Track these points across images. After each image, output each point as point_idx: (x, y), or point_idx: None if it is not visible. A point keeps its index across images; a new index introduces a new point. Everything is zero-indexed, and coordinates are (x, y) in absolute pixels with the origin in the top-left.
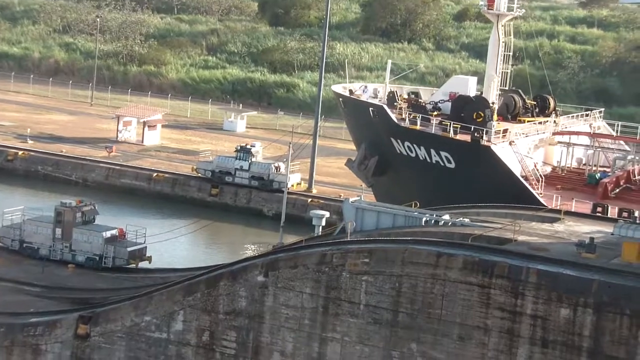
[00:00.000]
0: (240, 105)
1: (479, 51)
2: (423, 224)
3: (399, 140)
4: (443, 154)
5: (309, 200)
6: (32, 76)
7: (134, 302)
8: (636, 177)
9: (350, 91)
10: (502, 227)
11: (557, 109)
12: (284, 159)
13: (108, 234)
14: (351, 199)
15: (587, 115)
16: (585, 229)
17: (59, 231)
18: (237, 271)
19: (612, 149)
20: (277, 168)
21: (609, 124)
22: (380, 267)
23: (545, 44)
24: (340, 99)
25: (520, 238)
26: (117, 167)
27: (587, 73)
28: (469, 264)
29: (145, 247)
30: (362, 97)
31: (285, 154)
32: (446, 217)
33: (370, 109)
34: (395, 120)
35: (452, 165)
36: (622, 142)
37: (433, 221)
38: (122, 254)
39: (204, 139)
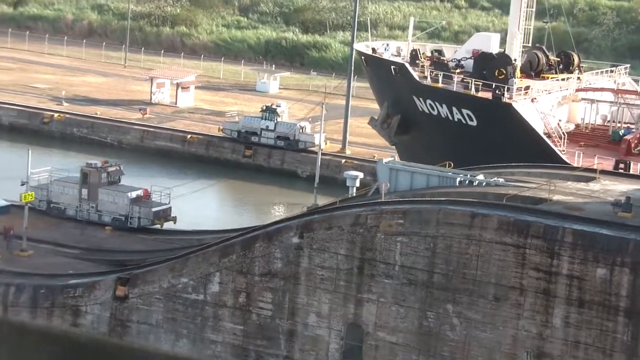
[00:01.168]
0: (273, 66)
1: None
2: (457, 184)
3: (420, 99)
4: (465, 111)
5: (343, 161)
6: (65, 38)
7: (170, 264)
8: None
9: (373, 49)
10: (536, 186)
11: (581, 65)
12: (309, 119)
13: (133, 194)
14: (385, 160)
15: (612, 71)
16: (622, 188)
17: (85, 192)
18: (272, 233)
19: (638, 105)
20: (303, 128)
21: (637, 80)
22: (415, 227)
23: (580, 1)
24: (362, 58)
25: (555, 198)
26: (152, 129)
27: (623, 29)
28: (504, 224)
29: (170, 207)
30: (384, 55)
31: (317, 115)
32: (480, 177)
33: (392, 67)
34: (417, 78)
35: (474, 123)
36: None
37: (467, 181)
38: (147, 214)
39: (236, 100)
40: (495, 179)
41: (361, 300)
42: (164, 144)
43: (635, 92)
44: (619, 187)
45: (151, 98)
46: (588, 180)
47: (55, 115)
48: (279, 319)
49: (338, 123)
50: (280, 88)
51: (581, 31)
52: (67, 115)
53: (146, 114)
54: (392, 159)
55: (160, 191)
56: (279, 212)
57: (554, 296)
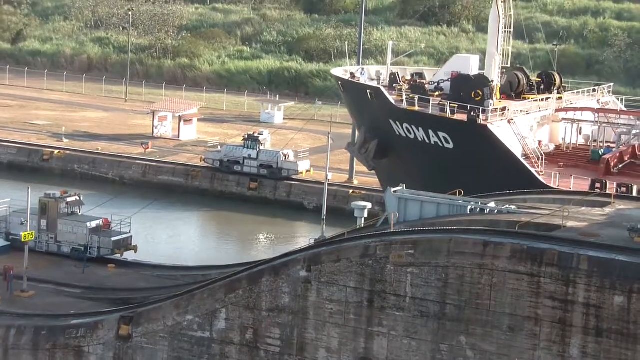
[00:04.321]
0: (277, 96)
1: (521, 32)
2: (468, 212)
3: (397, 122)
4: (441, 134)
5: (350, 191)
6: (65, 73)
7: (175, 301)
8: None
9: (352, 74)
10: (550, 213)
11: (563, 85)
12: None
13: (93, 224)
14: (393, 189)
15: (594, 91)
16: (638, 212)
17: (44, 222)
18: (279, 266)
19: (618, 124)
20: (286, 156)
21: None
22: (426, 258)
23: (591, 22)
24: (339, 83)
25: (570, 224)
26: (154, 164)
27: (635, 50)
28: (517, 252)
29: (131, 236)
30: (360, 79)
31: (324, 145)
32: (492, 204)
33: (368, 91)
34: (393, 102)
35: (451, 146)
36: (631, 117)
37: (478, 209)
38: (107, 244)
39: (241, 132)
40: (507, 206)
41: (372, 334)
42: (166, 178)
43: (615, 111)
44: (635, 212)
45: (153, 132)
46: (603, 205)
47: (55, 152)
48: (287, 355)
49: (344, 153)
50: (285, 118)
51: (592, 53)
52: (68, 152)
53: (148, 148)
54: (401, 187)
55: (120, 220)
56: (285, 245)
57: (571, 325)
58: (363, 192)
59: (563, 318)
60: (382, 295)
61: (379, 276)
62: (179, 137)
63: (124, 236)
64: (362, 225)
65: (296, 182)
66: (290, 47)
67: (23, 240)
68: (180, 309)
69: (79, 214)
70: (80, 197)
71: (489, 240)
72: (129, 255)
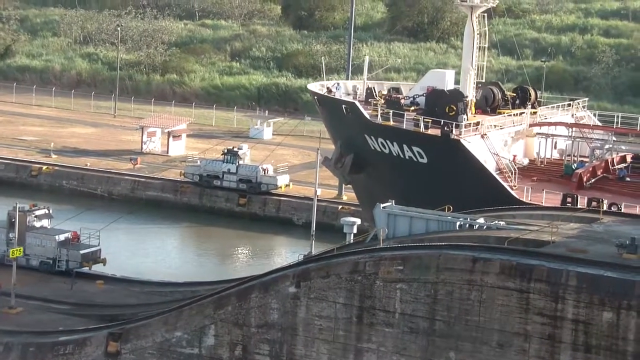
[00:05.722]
0: (266, 111)
1: (510, 48)
2: (457, 228)
3: (372, 137)
4: (415, 149)
5: (340, 207)
6: (53, 89)
7: (163, 317)
8: (615, 167)
9: (329, 89)
10: (538, 229)
11: (538, 100)
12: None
13: (61, 237)
14: (382, 205)
15: (569, 105)
16: (626, 228)
17: (12, 235)
18: (268, 282)
19: (591, 138)
20: (265, 170)
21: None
22: (415, 274)
23: (578, 39)
24: (315, 98)
25: (558, 240)
26: (143, 180)
27: (623, 67)
28: (506, 268)
29: (100, 249)
30: (336, 94)
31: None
32: (481, 220)
33: (343, 106)
34: (368, 117)
35: (425, 161)
36: (609, 132)
37: (467, 225)
38: (76, 257)
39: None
40: (496, 222)
41: (361, 350)
42: (155, 194)
43: (588, 126)
44: (623, 228)
45: (142, 147)
46: (591, 221)
47: (44, 167)
48: None
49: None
50: (274, 134)
51: (580, 69)
52: (56, 168)
53: (137, 164)
54: (390, 203)
55: (89, 233)
56: (274, 261)
57: (560, 341)
58: (352, 208)
59: (552, 334)
60: (372, 311)
61: (368, 292)
62: (168, 152)
63: (93, 249)
64: (351, 241)
65: (285, 198)
66: (279, 63)
67: (10, 256)
68: (169, 325)
69: (48, 227)
70: (49, 210)
71: (478, 256)
72: (118, 272)
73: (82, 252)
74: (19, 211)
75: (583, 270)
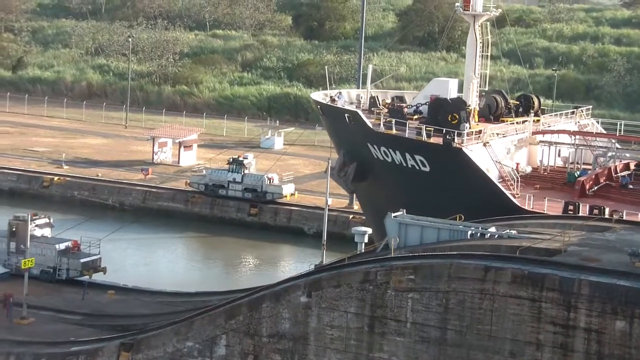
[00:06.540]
0: (277, 121)
1: (521, 57)
2: (469, 237)
3: (375, 146)
4: (418, 157)
5: (351, 216)
6: (65, 100)
7: (175, 327)
8: (618, 174)
9: (332, 98)
10: (550, 238)
11: (542, 108)
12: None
13: (62, 246)
14: (393, 214)
15: (572, 113)
16: (639, 237)
17: (13, 245)
18: (279, 292)
19: (594, 146)
20: (271, 179)
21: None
22: (426, 283)
23: (589, 48)
24: (318, 107)
25: (570, 249)
26: (154, 190)
27: (634, 75)
28: (518, 277)
29: (100, 258)
30: (338, 103)
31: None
32: (492, 229)
33: (346, 115)
34: (370, 126)
35: (427, 169)
36: (612, 140)
37: (479, 234)
38: (76, 266)
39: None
40: (508, 231)
41: (372, 359)
42: (166, 204)
43: (591, 134)
44: (636, 237)
45: (153, 158)
46: (603, 229)
47: (55, 178)
48: None
49: None
50: (285, 144)
51: (591, 78)
52: (67, 178)
53: (148, 174)
54: (401, 212)
55: (89, 242)
56: (285, 271)
57: (572, 351)
58: (363, 217)
59: (564, 343)
60: (383, 320)
61: (379, 301)
62: (179, 163)
63: (93, 258)
64: (363, 251)
65: (296, 208)
66: (290, 73)
67: (23, 267)
68: (181, 335)
69: (49, 236)
70: (50, 220)
71: (490, 265)
72: (130, 282)
73: (82, 260)
74: (20, 221)
75: (595, 279)
